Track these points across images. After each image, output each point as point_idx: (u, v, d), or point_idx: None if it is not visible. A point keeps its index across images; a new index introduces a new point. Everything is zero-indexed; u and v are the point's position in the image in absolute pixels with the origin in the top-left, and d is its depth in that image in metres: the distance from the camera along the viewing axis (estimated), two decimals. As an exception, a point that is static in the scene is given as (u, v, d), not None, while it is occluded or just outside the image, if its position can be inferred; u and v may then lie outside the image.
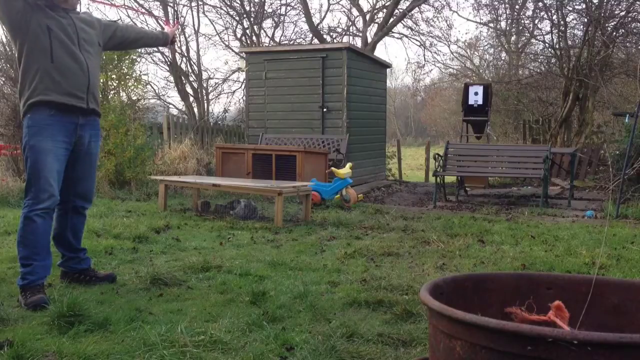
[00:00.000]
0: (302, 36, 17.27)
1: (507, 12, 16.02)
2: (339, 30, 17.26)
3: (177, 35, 4.26)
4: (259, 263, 4.20)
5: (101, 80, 3.65)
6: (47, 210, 3.27)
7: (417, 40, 18.13)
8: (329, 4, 18.96)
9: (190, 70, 16.23)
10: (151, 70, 32.32)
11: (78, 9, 3.46)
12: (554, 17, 12.78)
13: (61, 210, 3.53)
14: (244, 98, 11.01)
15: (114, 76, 9.40)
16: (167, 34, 4.05)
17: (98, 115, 3.55)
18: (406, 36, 17.15)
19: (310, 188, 6.53)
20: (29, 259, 3.23)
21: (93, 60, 3.45)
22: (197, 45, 18.49)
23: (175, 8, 15.75)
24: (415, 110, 36.27)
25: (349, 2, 16.82)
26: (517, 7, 15.30)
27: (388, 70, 11.79)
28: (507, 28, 16.79)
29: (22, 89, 3.29)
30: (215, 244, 4.93)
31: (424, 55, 34.06)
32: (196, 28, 16.43)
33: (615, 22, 12.00)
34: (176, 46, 15.77)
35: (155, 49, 16.03)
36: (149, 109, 13.46)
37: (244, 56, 10.21)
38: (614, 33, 11.93)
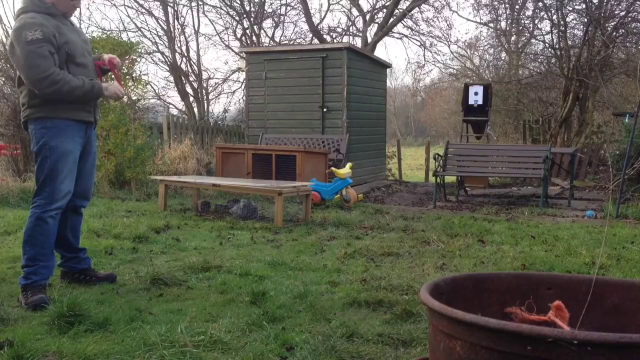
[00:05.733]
0: (302, 36, 17.27)
1: (507, 12, 16.02)
2: (339, 30, 17.27)
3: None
4: (259, 263, 4.20)
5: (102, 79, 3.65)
6: (59, 211, 3.31)
7: (417, 40, 18.10)
8: (329, 4, 18.91)
9: (190, 70, 16.23)
10: (151, 70, 32.24)
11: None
12: (554, 17, 12.80)
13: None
14: (244, 98, 11.01)
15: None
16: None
17: None
18: (406, 36, 17.15)
19: (310, 188, 6.53)
20: (34, 260, 3.24)
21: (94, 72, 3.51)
22: (197, 45, 18.48)
23: (175, 8, 15.76)
24: (415, 110, 36.27)
25: (349, 2, 16.82)
26: (517, 7, 15.30)
27: (388, 70, 11.79)
28: (507, 28, 16.78)
29: (33, 104, 3.27)
30: (215, 244, 4.93)
31: (424, 55, 34.10)
32: (196, 28, 16.45)
33: (615, 22, 12.00)
34: (176, 46, 15.80)
35: (155, 49, 16.10)
36: (149, 109, 13.43)
37: (244, 56, 10.20)
38: (614, 33, 11.94)
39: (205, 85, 16.49)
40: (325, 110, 9.36)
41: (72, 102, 3.27)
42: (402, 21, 16.28)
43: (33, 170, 3.60)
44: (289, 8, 16.97)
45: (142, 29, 16.29)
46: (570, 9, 12.68)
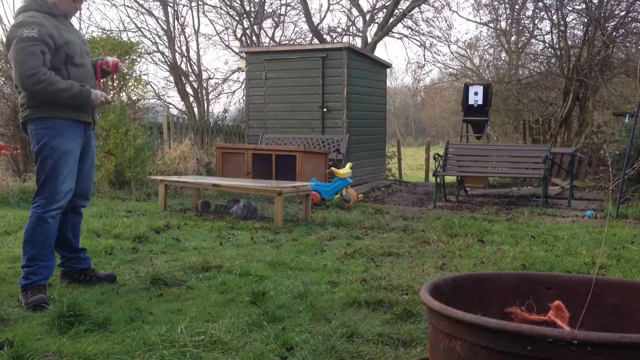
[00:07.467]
0: (302, 36, 17.27)
1: (507, 12, 16.02)
2: (339, 30, 17.27)
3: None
4: (259, 263, 4.20)
5: (101, 81, 3.60)
6: (60, 211, 3.31)
7: (417, 40, 18.14)
8: (329, 4, 18.91)
9: (190, 70, 16.23)
10: (151, 70, 32.26)
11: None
12: (554, 17, 12.80)
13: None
14: (244, 98, 11.01)
15: (114, 76, 9.38)
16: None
17: None
18: (406, 36, 17.15)
19: (310, 188, 6.53)
20: (34, 260, 3.24)
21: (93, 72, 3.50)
22: (197, 45, 18.48)
23: (175, 8, 15.76)
24: (415, 110, 36.27)
25: (349, 2, 16.82)
26: (517, 7, 15.30)
27: (388, 70, 11.78)
28: (507, 28, 16.78)
29: (32, 104, 3.25)
30: (215, 244, 4.93)
31: (424, 55, 34.06)
32: (196, 28, 16.45)
33: (615, 22, 12.01)
34: (176, 46, 15.80)
35: (155, 49, 16.10)
36: (149, 109, 13.43)
37: (244, 56, 10.20)
38: (614, 33, 11.94)
39: (205, 85, 16.50)
40: (325, 110, 9.36)
41: (62, 104, 3.25)
42: (402, 21, 16.29)
43: (33, 170, 3.60)
44: (289, 8, 16.99)
45: (142, 29, 16.32)
46: (570, 9, 12.70)
